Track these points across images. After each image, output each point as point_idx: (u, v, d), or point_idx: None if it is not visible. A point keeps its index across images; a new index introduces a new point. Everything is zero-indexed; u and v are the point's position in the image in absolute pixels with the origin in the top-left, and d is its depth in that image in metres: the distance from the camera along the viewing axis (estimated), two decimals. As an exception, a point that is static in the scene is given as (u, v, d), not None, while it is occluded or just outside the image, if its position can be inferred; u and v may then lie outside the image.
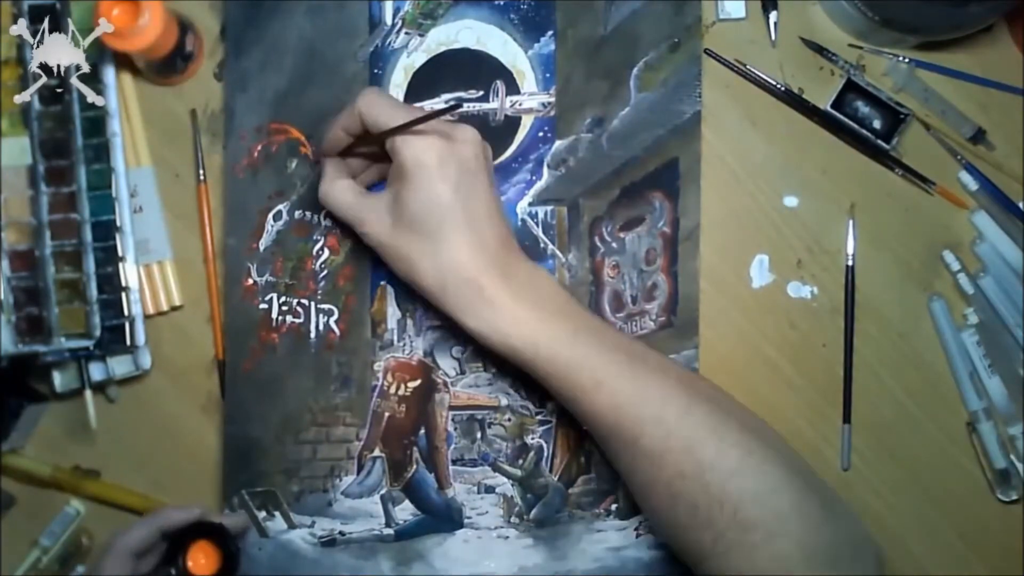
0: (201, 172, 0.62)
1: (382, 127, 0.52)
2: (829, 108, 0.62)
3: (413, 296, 0.61)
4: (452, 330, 0.60)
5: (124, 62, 0.62)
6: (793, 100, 0.62)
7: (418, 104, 0.62)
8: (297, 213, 0.61)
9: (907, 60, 0.62)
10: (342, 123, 0.54)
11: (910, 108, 0.62)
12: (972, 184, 0.62)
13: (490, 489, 0.61)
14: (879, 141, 0.62)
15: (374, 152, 0.57)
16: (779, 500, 0.48)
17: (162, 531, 0.57)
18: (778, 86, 0.62)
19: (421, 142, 0.51)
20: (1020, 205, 0.62)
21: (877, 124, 0.62)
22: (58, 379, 0.61)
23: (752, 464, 0.49)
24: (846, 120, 0.62)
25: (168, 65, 0.61)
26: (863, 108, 0.62)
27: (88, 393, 0.60)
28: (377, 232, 0.53)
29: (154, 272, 0.62)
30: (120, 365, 0.61)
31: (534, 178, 0.62)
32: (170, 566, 0.56)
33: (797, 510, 0.48)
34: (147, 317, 0.61)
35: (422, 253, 0.52)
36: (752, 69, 0.63)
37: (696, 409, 0.50)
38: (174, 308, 0.63)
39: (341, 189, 0.55)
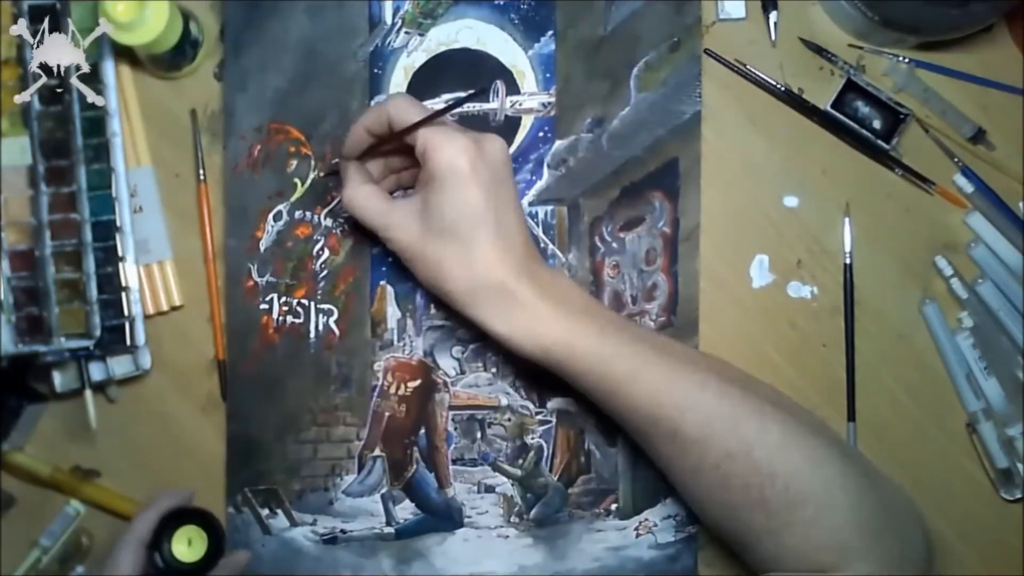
0: (201, 172, 0.62)
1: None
2: (829, 108, 0.62)
3: (413, 296, 0.61)
4: (454, 330, 0.61)
5: (125, 60, 0.62)
6: (793, 100, 0.62)
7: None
8: (297, 213, 0.61)
9: (907, 60, 0.62)
10: (366, 123, 0.54)
11: (910, 108, 0.62)
12: (967, 186, 0.62)
13: (490, 489, 0.62)
14: (879, 141, 0.62)
15: (394, 162, 0.58)
16: (825, 472, 0.49)
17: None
18: (778, 86, 0.62)
19: (453, 147, 0.51)
20: (1020, 205, 0.62)
21: (877, 124, 0.62)
22: (58, 379, 0.61)
23: (796, 439, 0.50)
24: (846, 120, 0.62)
25: (178, 55, 0.60)
26: (863, 108, 0.62)
27: (88, 393, 0.60)
28: (405, 238, 0.53)
29: (154, 272, 0.62)
30: (120, 365, 0.61)
31: (534, 178, 0.62)
32: (155, 551, 0.56)
33: (842, 480, 0.49)
34: (147, 317, 0.61)
35: (452, 258, 0.52)
36: (752, 69, 0.62)
37: (732, 390, 0.51)
38: (174, 308, 0.63)
39: (366, 195, 0.55)
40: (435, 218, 0.52)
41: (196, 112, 0.63)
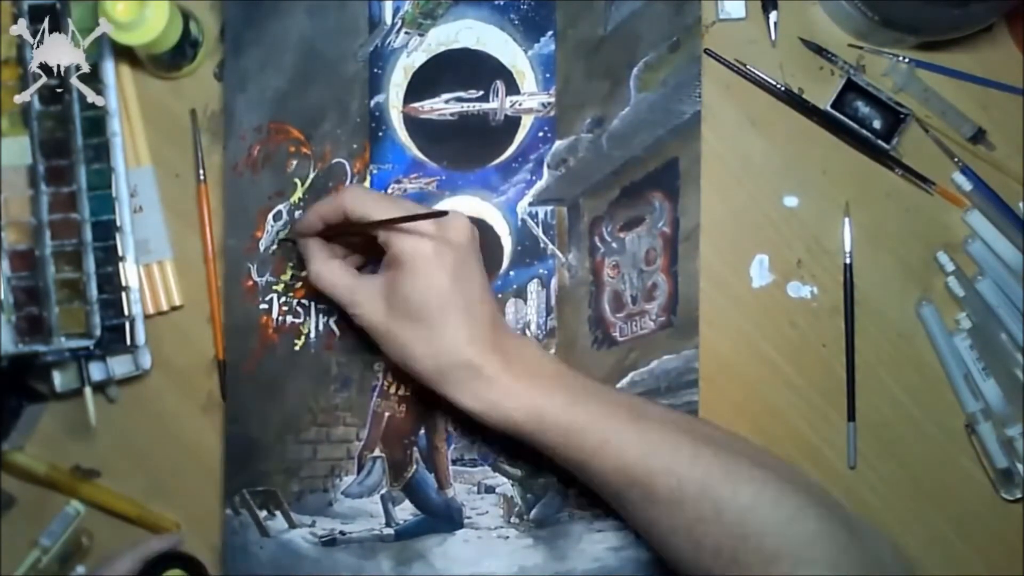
0: (201, 172, 0.62)
1: (369, 218, 0.52)
2: (829, 108, 0.62)
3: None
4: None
5: (125, 60, 0.62)
6: (793, 100, 0.62)
7: (418, 104, 0.62)
8: (297, 213, 0.61)
9: (907, 60, 0.62)
10: (321, 212, 0.54)
11: (910, 108, 0.62)
12: (966, 184, 0.62)
13: (490, 489, 0.61)
14: (879, 141, 0.62)
15: (352, 240, 0.58)
16: (801, 527, 0.49)
17: (145, 560, 0.58)
18: (778, 86, 0.62)
19: (414, 234, 0.52)
20: (1020, 205, 0.62)
21: (877, 124, 0.62)
22: (58, 379, 0.61)
23: (768, 497, 0.49)
24: (846, 120, 0.62)
25: (178, 55, 0.61)
26: (863, 108, 0.62)
27: (88, 391, 0.60)
28: (371, 316, 0.53)
29: (154, 272, 0.62)
30: (120, 365, 0.61)
31: (534, 178, 0.62)
32: None
33: (821, 535, 0.49)
34: (147, 317, 0.61)
35: (418, 339, 0.52)
36: (752, 69, 0.63)
37: (704, 453, 0.50)
38: (174, 308, 0.63)
39: (332, 270, 0.55)
40: (401, 301, 0.52)
41: (196, 112, 0.63)
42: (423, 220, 0.52)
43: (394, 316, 0.52)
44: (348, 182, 0.61)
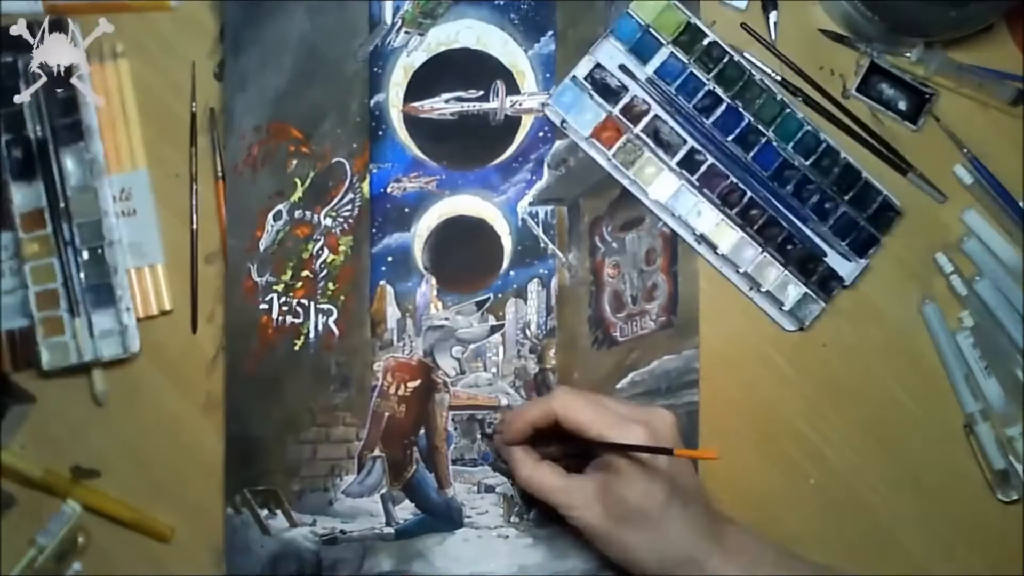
0: (220, 170, 0.62)
1: (584, 429, 0.52)
2: (854, 92, 0.62)
3: (413, 296, 0.61)
4: (454, 331, 0.60)
5: (126, 58, 0.62)
6: (818, 91, 0.62)
7: (418, 103, 0.62)
8: (297, 213, 0.61)
9: (934, 43, 0.62)
10: (529, 418, 0.55)
11: (941, 89, 0.62)
12: (967, 178, 0.62)
13: (490, 489, 0.62)
14: (905, 122, 0.62)
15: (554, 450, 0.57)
16: None
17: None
18: (774, 77, 0.62)
19: (629, 437, 0.51)
20: (1021, 205, 0.62)
21: (902, 105, 0.62)
22: (45, 356, 0.61)
23: None
24: (873, 103, 0.62)
25: None
26: (887, 90, 0.62)
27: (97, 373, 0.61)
28: (589, 520, 0.53)
29: (146, 276, 0.62)
30: (108, 347, 0.61)
31: (534, 178, 0.62)
32: None
33: None
34: (148, 318, 0.62)
35: (641, 543, 0.52)
36: (756, 60, 0.62)
37: None
38: (164, 312, 0.63)
39: (545, 473, 0.55)
40: (619, 505, 0.52)
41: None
42: (635, 414, 0.52)
43: (613, 519, 0.53)
44: (348, 182, 0.61)
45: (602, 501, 0.53)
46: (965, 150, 0.62)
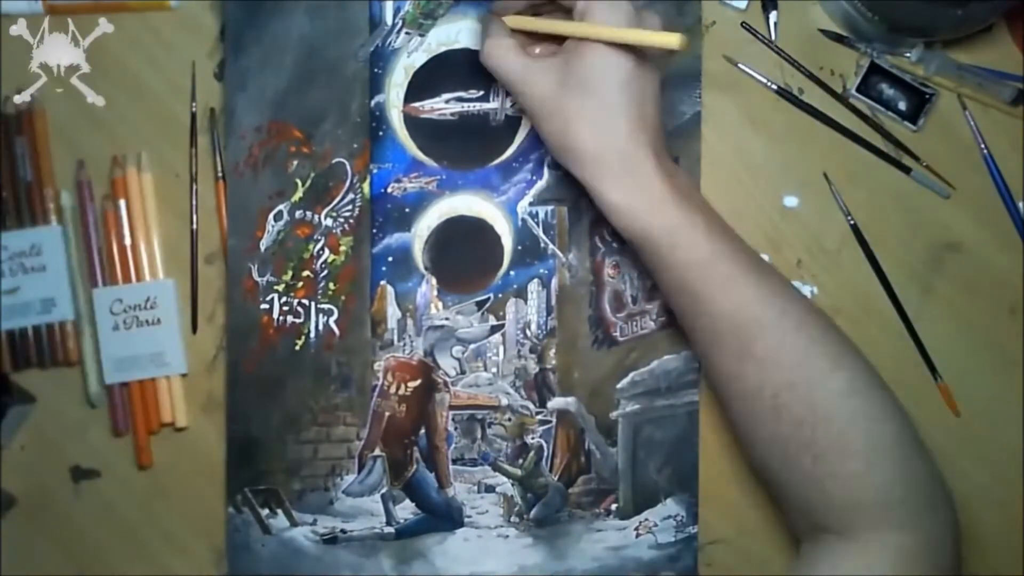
0: (220, 170, 0.62)
1: (580, 13, 0.50)
2: (854, 92, 0.62)
3: (413, 296, 0.61)
4: (455, 331, 0.59)
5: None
6: (821, 87, 0.62)
7: (418, 103, 0.62)
8: (298, 213, 0.61)
9: (934, 43, 0.62)
10: None
11: (941, 89, 0.62)
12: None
13: (490, 488, 0.62)
14: (906, 122, 0.62)
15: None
16: (882, 429, 0.49)
17: None
18: (771, 85, 0.62)
19: (614, 17, 0.49)
20: (1020, 205, 0.62)
21: (902, 105, 0.62)
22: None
23: (860, 389, 0.49)
24: (872, 103, 0.62)
25: None
26: (887, 90, 0.62)
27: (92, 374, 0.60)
28: (540, 92, 0.51)
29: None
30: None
31: (534, 178, 0.62)
32: None
33: (897, 442, 0.49)
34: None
35: (586, 115, 0.50)
36: (747, 68, 0.62)
37: (811, 325, 0.50)
38: (178, 429, 0.63)
39: (507, 47, 0.53)
40: (577, 74, 0.50)
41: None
42: (624, 7, 0.49)
43: (564, 89, 0.50)
44: (348, 182, 0.61)
45: (559, 73, 0.51)
46: (982, 145, 0.62)
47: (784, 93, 0.62)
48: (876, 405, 0.50)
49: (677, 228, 0.50)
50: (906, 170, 0.62)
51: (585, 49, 0.50)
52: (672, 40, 0.47)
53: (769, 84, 0.62)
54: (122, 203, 0.62)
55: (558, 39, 0.53)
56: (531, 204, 0.62)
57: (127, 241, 0.62)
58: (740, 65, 0.62)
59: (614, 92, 0.50)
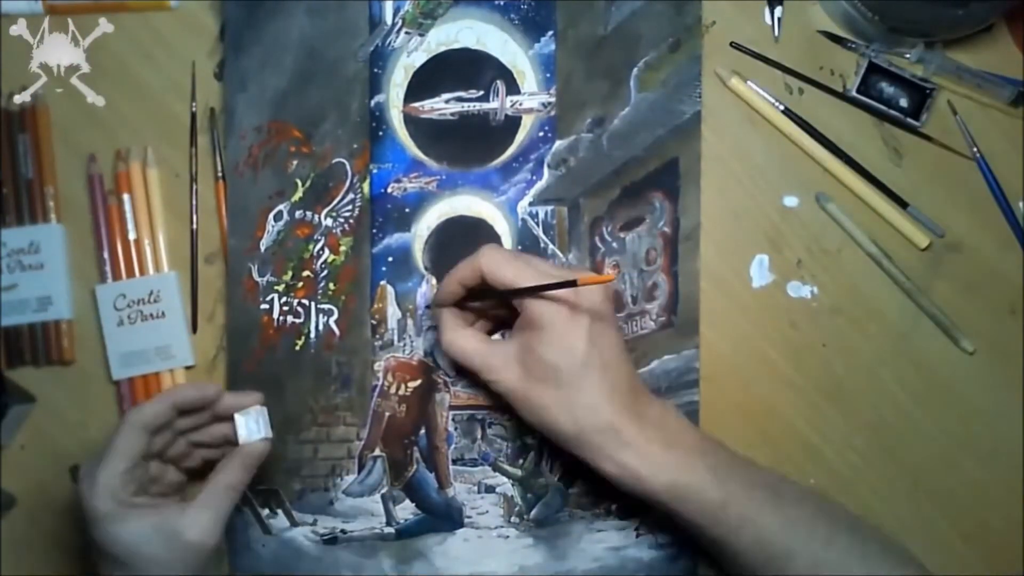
0: (220, 170, 0.62)
1: (508, 284, 0.52)
2: (855, 92, 0.62)
3: (413, 296, 0.61)
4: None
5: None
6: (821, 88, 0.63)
7: (418, 103, 0.62)
8: (298, 213, 0.61)
9: (934, 43, 0.61)
10: (458, 277, 0.54)
11: (941, 87, 0.62)
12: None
13: (490, 489, 0.62)
14: (908, 119, 0.62)
15: (485, 305, 0.58)
16: None
17: (176, 407, 0.55)
18: (778, 106, 0.62)
19: (549, 296, 0.51)
20: (1020, 205, 0.62)
21: (904, 103, 0.62)
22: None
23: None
24: (874, 103, 0.62)
25: None
26: (888, 89, 0.62)
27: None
28: (507, 382, 0.53)
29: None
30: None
31: (534, 178, 0.62)
32: None
33: None
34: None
35: (557, 402, 0.52)
36: (753, 85, 0.62)
37: (839, 538, 0.52)
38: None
39: (466, 338, 0.55)
40: (537, 364, 0.52)
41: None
42: (560, 275, 0.51)
43: (530, 380, 0.52)
44: (348, 182, 0.61)
45: (521, 362, 0.52)
46: (975, 149, 0.62)
47: (789, 114, 0.62)
48: None
49: (677, 484, 0.51)
50: (903, 204, 0.62)
51: (537, 326, 0.52)
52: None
53: (777, 104, 0.62)
54: (126, 197, 0.62)
55: (510, 306, 0.55)
56: (531, 204, 0.62)
57: (131, 236, 0.62)
58: (749, 83, 0.62)
59: (577, 372, 0.51)
